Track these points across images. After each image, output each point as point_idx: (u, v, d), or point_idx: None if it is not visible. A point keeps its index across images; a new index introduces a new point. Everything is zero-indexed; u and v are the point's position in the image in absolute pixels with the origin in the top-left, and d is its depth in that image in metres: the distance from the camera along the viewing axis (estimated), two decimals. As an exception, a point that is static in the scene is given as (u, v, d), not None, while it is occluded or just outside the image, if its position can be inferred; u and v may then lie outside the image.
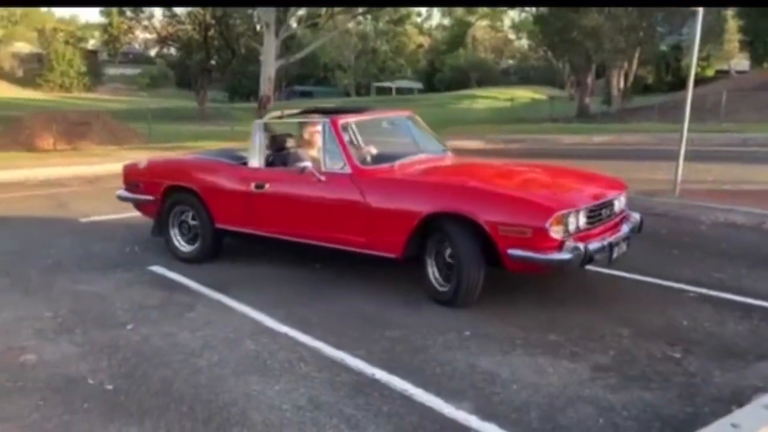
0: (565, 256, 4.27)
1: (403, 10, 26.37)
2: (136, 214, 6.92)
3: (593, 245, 4.40)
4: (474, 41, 73.04)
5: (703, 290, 4.96)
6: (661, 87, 42.09)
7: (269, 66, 22.50)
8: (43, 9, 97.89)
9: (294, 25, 24.40)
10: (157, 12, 35.90)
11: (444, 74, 69.52)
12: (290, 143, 5.96)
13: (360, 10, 24.83)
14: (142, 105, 37.31)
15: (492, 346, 3.98)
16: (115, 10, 36.77)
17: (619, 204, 4.99)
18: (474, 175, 5.37)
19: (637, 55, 31.10)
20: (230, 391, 3.42)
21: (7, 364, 3.82)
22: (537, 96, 51.09)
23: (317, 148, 5.49)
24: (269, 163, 5.73)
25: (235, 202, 5.71)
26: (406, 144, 6.01)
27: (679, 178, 8.56)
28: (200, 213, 5.93)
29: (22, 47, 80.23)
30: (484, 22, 41.24)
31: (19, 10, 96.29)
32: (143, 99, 56.87)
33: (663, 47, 37.86)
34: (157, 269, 5.79)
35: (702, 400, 3.22)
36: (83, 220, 8.29)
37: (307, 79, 71.28)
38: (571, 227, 4.37)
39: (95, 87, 72.29)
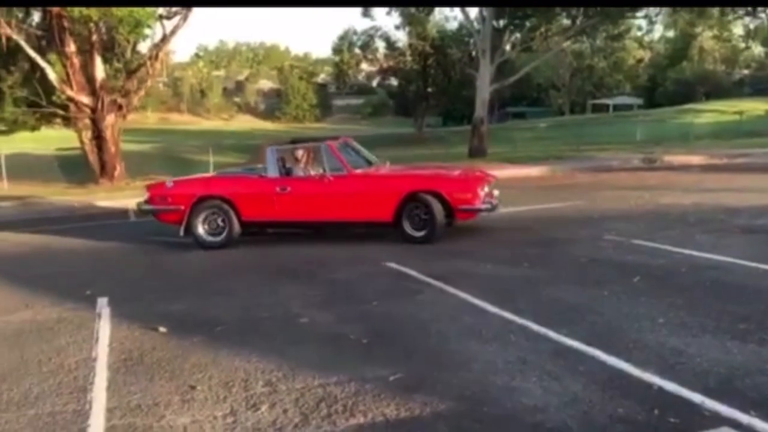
0: (485, 206, 8.19)
1: (622, 26, 25.82)
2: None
3: (493, 201, 8.33)
4: (701, 52, 68.16)
5: None
6: None
7: (484, 90, 23.55)
8: (281, 48, 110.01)
9: (508, 48, 25.22)
10: (381, 45, 38.95)
11: (666, 88, 65.71)
12: (292, 161, 8.84)
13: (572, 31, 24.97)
14: (365, 132, 40.58)
15: (683, 331, 4.48)
16: (345, 48, 40.38)
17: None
18: (426, 170, 9.89)
19: None
20: (454, 349, 4.36)
21: (289, 324, 5.13)
22: (775, 107, 46.40)
23: (315, 162, 8.76)
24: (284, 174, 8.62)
25: (262, 202, 8.47)
26: (362, 158, 9.09)
27: None
28: (228, 213, 8.45)
29: (264, 84, 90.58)
30: (711, 33, 38.65)
31: (262, 51, 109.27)
32: (365, 127, 61.40)
33: None
34: (391, 264, 6.98)
35: None
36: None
37: (520, 100, 71.51)
38: (485, 192, 8.25)
39: (324, 117, 79.33)
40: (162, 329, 5.05)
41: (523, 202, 11.58)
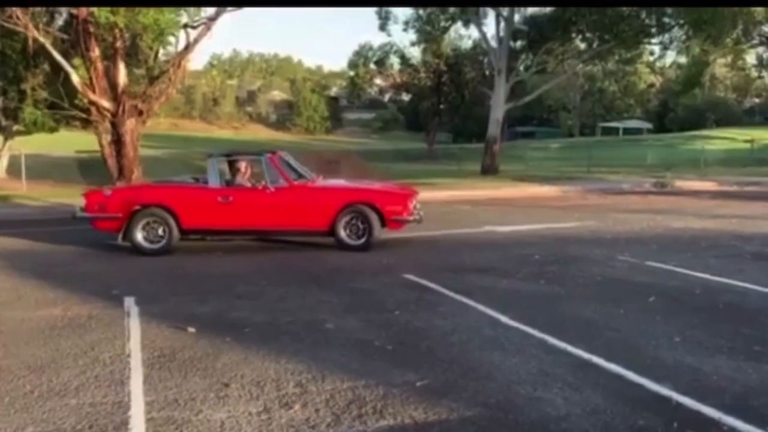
0: (413, 217, 9.05)
1: (635, 51, 26.12)
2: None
3: (419, 214, 9.20)
4: (713, 79, 68.40)
5: None
6: None
7: (498, 109, 23.80)
8: (294, 60, 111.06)
9: (522, 69, 25.47)
10: (396, 61, 39.32)
11: (677, 114, 65.91)
12: (232, 172, 9.41)
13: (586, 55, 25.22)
14: (375, 146, 40.89)
15: (699, 350, 4.61)
16: (361, 63, 40.80)
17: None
18: (360, 184, 10.22)
19: None
20: (477, 359, 4.50)
21: (315, 328, 5.29)
22: (786, 137, 46.51)
23: (253, 174, 9.37)
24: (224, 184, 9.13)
25: (204, 210, 8.82)
26: (295, 171, 9.48)
27: None
28: (168, 221, 8.68)
29: (277, 95, 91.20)
30: (724, 60, 38.85)
31: (275, 62, 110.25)
32: (375, 141, 61.74)
33: None
34: (410, 276, 7.14)
35: None
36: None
37: (530, 120, 71.83)
38: (413, 205, 9.16)
39: (334, 130, 79.75)
40: (191, 329, 5.21)
41: (536, 221, 11.75)
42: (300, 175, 9.44)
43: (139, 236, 8.77)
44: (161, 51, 17.58)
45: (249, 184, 9.20)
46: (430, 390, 3.95)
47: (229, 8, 15.85)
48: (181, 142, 47.25)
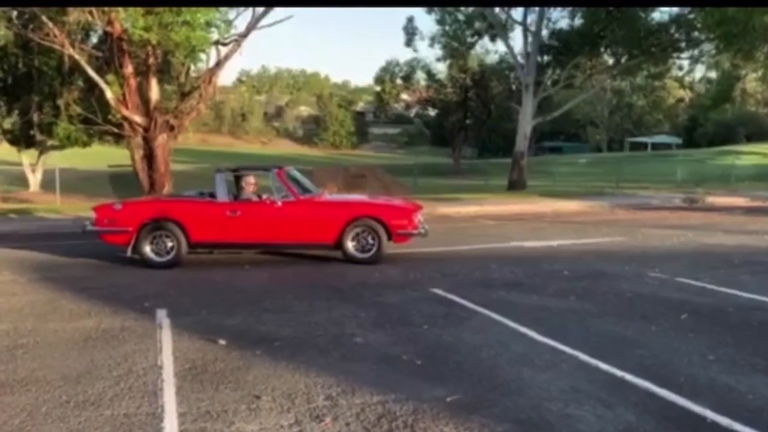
0: (418, 231, 9.13)
1: (663, 66, 25.91)
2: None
3: (424, 228, 9.26)
4: (744, 94, 67.48)
5: None
6: None
7: (526, 124, 23.74)
8: (321, 76, 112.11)
9: (549, 84, 25.41)
10: (422, 77, 39.50)
11: (707, 129, 65.10)
12: (239, 186, 9.44)
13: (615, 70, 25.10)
14: (401, 161, 40.98)
15: (733, 368, 4.54)
16: (388, 78, 41.10)
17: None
18: (367, 198, 10.69)
19: None
20: (507, 374, 4.48)
21: (344, 342, 5.31)
22: (819, 152, 45.64)
23: (262, 188, 9.52)
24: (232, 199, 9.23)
25: (212, 224, 8.95)
26: (301, 186, 9.62)
27: None
28: (177, 235, 8.82)
29: (303, 110, 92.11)
30: (755, 75, 38.35)
31: (302, 78, 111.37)
32: (401, 156, 61.90)
33: None
34: (437, 291, 7.13)
35: None
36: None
37: (557, 135, 71.50)
38: (418, 219, 9.25)
39: (360, 145, 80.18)
40: (221, 341, 5.27)
41: (566, 236, 11.67)
42: (306, 190, 9.63)
43: (147, 249, 8.93)
44: (192, 67, 17.90)
45: (256, 198, 9.37)
46: (460, 405, 3.94)
47: (259, 8, 16.05)
48: (210, 157, 47.87)
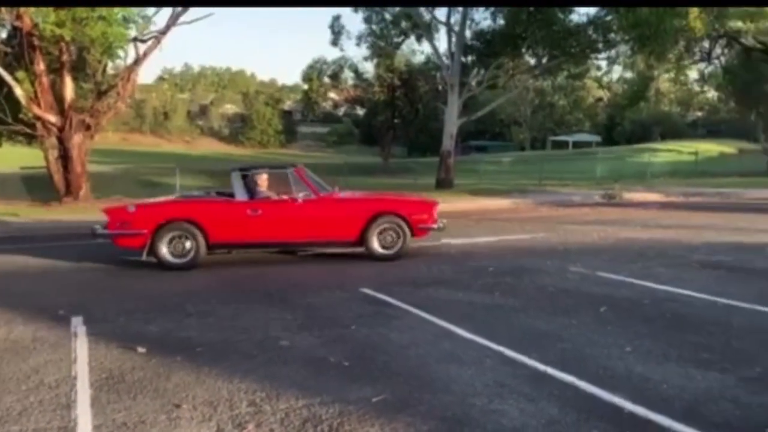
0: (437, 225, 9.36)
1: (583, 66, 26.81)
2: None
3: (443, 222, 9.49)
4: (658, 94, 70.61)
5: None
6: None
7: (451, 124, 24.05)
8: (248, 74, 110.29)
9: (474, 84, 25.84)
10: (350, 76, 39.48)
11: (624, 127, 67.79)
12: (255, 185, 9.08)
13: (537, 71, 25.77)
14: (330, 160, 40.81)
15: (649, 358, 4.70)
16: (315, 77, 40.86)
17: None
18: (384, 195, 11.02)
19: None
20: (434, 372, 4.49)
21: (269, 346, 5.20)
22: (726, 149, 48.34)
23: (279, 186, 9.09)
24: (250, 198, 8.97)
25: (233, 224, 8.77)
26: (315, 183, 9.35)
27: None
28: (196, 236, 8.61)
29: (229, 108, 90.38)
30: (668, 75, 40.12)
31: (227, 76, 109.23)
32: (329, 155, 61.65)
33: None
34: (366, 290, 7.11)
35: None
36: (301, 254, 9.95)
37: (482, 134, 72.85)
38: (437, 213, 9.50)
39: (289, 144, 79.37)
40: (141, 349, 5.07)
41: (491, 233, 11.88)
42: (323, 188, 9.40)
43: (164, 251, 8.67)
44: (110, 65, 17.27)
45: (275, 197, 9.07)
46: (386, 405, 3.92)
47: (178, 8, 15.62)
48: (131, 157, 46.36)
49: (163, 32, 15.79)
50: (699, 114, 76.25)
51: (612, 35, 22.86)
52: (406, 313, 6.13)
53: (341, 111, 62.19)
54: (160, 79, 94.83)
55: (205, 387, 4.28)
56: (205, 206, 9.06)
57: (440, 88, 32.75)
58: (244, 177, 9.10)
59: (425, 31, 25.66)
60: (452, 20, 24.51)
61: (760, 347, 4.93)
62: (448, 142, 24.35)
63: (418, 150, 61.47)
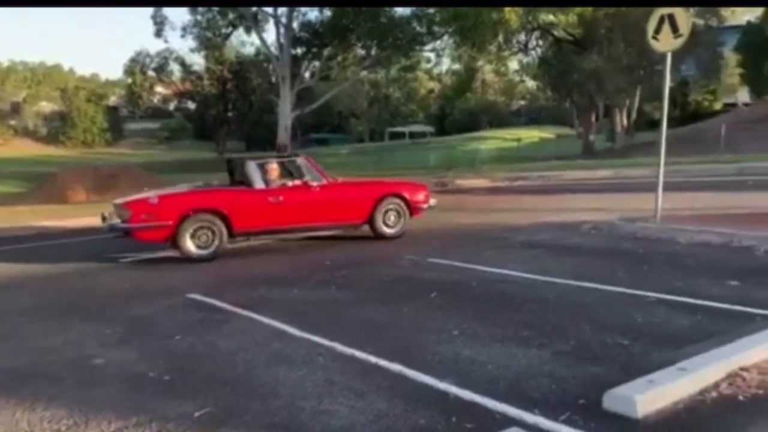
0: (430, 204, 10.41)
1: (413, 58, 27.63)
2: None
3: (434, 201, 10.59)
4: (483, 84, 74.77)
5: (662, 295, 5.79)
6: (669, 122, 42.88)
7: (286, 116, 23.76)
8: (65, 68, 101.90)
9: (307, 76, 25.70)
10: (177, 69, 37.72)
11: (455, 117, 71.08)
12: (266, 174, 9.26)
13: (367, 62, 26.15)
14: (161, 158, 38.91)
15: (475, 341, 4.83)
16: (138, 70, 38.55)
17: None
18: (383, 180, 12.09)
19: (638, 92, 32.10)
20: (263, 376, 4.30)
21: (80, 366, 4.72)
22: (545, 135, 52.29)
23: (288, 174, 9.64)
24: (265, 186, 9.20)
25: (256, 212, 8.98)
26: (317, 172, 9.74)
27: (659, 205, 9.39)
28: (219, 226, 8.68)
29: (45, 106, 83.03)
30: (490, 67, 42.66)
31: (41, 70, 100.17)
32: (161, 152, 58.75)
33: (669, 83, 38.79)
34: (194, 296, 6.72)
35: (636, 371, 4.02)
36: (124, 261, 9.28)
37: (322, 127, 73.02)
38: (429, 195, 10.48)
39: (116, 142, 74.51)
40: None
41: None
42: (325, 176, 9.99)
43: (189, 243, 8.61)
44: None
45: (290, 184, 9.43)
46: (210, 418, 3.68)
47: None
48: (-72, 163, 41.16)
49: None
50: (522, 102, 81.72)
51: (435, 27, 23.70)
52: (235, 317, 5.86)
53: (171, 105, 59.35)
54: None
55: (0, 420, 3.77)
56: (229, 195, 9.18)
57: (273, 80, 32.28)
58: (258, 166, 9.27)
59: (252, 23, 25.08)
60: (279, 11, 24.16)
61: (573, 320, 5.23)
62: (283, 135, 24.07)
63: (257, 144, 60.32)
